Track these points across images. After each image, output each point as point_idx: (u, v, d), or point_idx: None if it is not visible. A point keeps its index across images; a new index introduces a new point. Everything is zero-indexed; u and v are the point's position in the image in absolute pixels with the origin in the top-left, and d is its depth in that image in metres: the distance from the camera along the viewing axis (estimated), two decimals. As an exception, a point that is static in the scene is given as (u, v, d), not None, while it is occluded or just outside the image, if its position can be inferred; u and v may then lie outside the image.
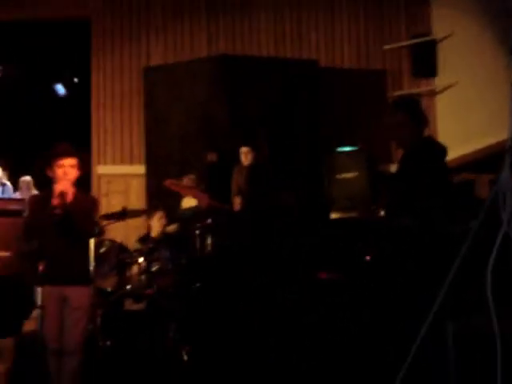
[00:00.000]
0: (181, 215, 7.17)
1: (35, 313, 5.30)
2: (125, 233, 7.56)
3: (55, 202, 4.91)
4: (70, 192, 5.06)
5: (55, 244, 5.00)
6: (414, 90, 8.70)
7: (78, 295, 5.11)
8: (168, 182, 6.51)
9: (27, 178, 9.25)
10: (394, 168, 7.37)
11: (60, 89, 10.29)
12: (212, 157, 7.65)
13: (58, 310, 5.04)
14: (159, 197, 7.86)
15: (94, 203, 5.40)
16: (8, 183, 9.64)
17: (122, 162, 8.59)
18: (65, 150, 5.16)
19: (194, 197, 6.92)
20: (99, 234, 6.44)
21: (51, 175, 5.10)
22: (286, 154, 7.73)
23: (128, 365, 5.66)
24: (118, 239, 6.75)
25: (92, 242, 5.90)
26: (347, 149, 7.12)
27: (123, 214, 6.61)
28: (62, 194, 4.94)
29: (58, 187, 4.97)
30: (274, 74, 8.32)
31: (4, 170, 9.35)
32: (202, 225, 6.34)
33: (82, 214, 5.01)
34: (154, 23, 8.52)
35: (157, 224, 7.07)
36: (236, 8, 8.67)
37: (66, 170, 5.07)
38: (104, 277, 6.28)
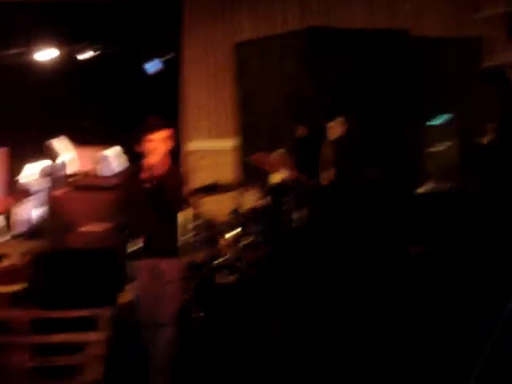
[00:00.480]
0: (270, 189, 7.21)
1: (129, 285, 5.42)
2: (217, 207, 7.63)
3: (145, 175, 5.00)
4: (161, 166, 5.13)
5: (146, 217, 5.08)
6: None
7: (170, 268, 5.21)
8: (255, 157, 6.53)
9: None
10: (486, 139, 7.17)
11: (153, 66, 10.46)
12: (302, 131, 7.64)
13: (151, 283, 5.15)
14: (250, 171, 7.90)
15: (185, 177, 5.48)
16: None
17: (214, 136, 8.66)
18: (154, 124, 5.21)
19: (281, 171, 6.93)
20: (190, 207, 6.58)
21: (142, 149, 5.16)
22: (375, 128, 7.64)
23: (220, 336, 5.76)
24: (210, 213, 6.84)
25: (185, 215, 6.05)
26: (439, 121, 6.98)
27: (214, 189, 6.72)
28: (152, 168, 5.02)
29: (148, 161, 5.05)
30: (364, 45, 8.20)
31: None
32: (292, 198, 6.36)
33: (173, 188, 5.06)
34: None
35: (249, 199, 7.13)
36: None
37: (156, 144, 5.12)
38: (196, 250, 6.41)
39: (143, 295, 5.12)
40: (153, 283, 5.16)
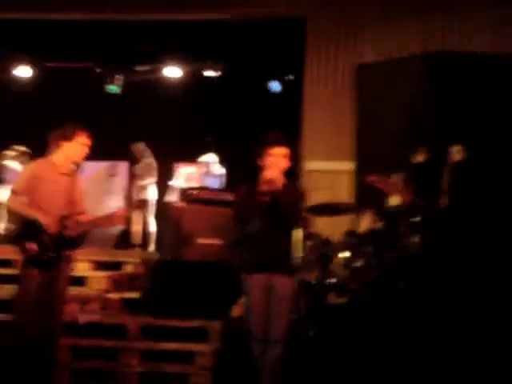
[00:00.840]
0: (387, 212, 7.11)
1: (242, 299, 5.46)
2: (331, 227, 7.60)
3: (263, 187, 5.03)
4: (279, 180, 5.14)
5: (262, 231, 5.06)
6: None
7: (284, 284, 5.18)
8: (373, 178, 6.44)
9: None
10: None
11: (275, 85, 10.61)
12: (422, 155, 7.51)
13: (264, 298, 5.13)
14: (368, 194, 7.83)
15: (302, 194, 5.43)
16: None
17: (332, 158, 8.64)
18: (277, 139, 5.24)
19: (398, 193, 6.82)
20: (304, 225, 6.57)
21: (261, 163, 5.19)
22: (497, 154, 7.43)
23: (329, 357, 5.71)
24: (325, 233, 6.82)
25: (298, 233, 6.05)
26: None
27: (330, 208, 6.71)
28: (271, 181, 5.03)
29: (267, 174, 5.06)
30: (488, 70, 8.01)
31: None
32: (409, 222, 6.25)
33: (289, 203, 5.06)
34: (367, 21, 8.50)
35: (365, 221, 7.05)
36: (452, 3, 8.43)
37: (277, 159, 5.15)
38: (309, 269, 6.40)
39: (255, 309, 5.08)
40: (265, 298, 5.14)
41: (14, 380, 5.36)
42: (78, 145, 5.52)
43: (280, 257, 5.21)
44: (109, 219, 5.70)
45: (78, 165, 5.63)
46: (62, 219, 5.41)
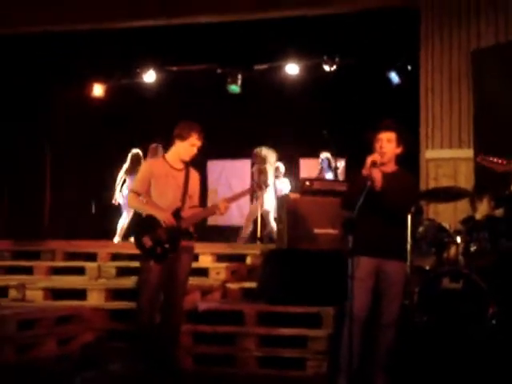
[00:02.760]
0: (506, 198, 6.96)
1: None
2: (449, 213, 7.57)
3: (365, 172, 5.05)
4: (387, 167, 5.19)
5: (368, 216, 5.02)
6: None
7: (395, 270, 5.23)
8: (480, 158, 6.29)
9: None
10: None
11: (394, 77, 10.57)
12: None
13: (372, 282, 5.19)
14: (488, 180, 7.69)
15: (411, 183, 5.43)
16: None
17: (451, 145, 8.55)
18: (385, 124, 5.31)
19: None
20: (419, 213, 6.56)
21: (372, 148, 5.22)
22: None
23: (442, 343, 5.69)
24: (445, 220, 6.78)
25: (409, 219, 6.06)
26: None
27: (446, 194, 6.66)
28: (372, 165, 5.01)
29: (372, 158, 5.07)
30: None
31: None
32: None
33: (396, 190, 5.03)
34: (481, 4, 8.35)
35: (483, 207, 6.95)
36: None
37: (382, 144, 5.21)
38: (422, 255, 6.38)
39: (362, 293, 5.04)
40: (373, 282, 5.20)
41: (140, 362, 5.69)
42: (189, 145, 5.75)
43: (389, 242, 5.21)
44: (210, 210, 5.97)
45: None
46: (178, 211, 5.68)
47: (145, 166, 6.09)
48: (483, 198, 6.95)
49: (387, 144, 5.23)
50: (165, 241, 5.62)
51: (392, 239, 5.28)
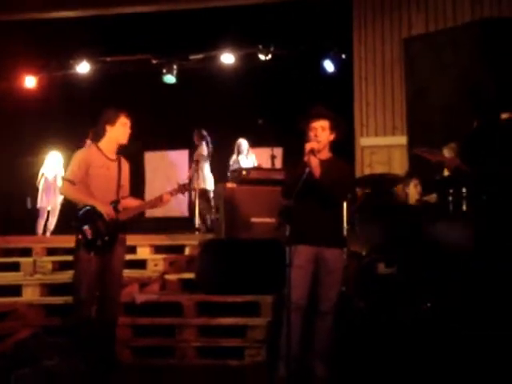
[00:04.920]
0: (437, 182, 7.09)
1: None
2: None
3: (305, 159, 5.04)
4: (323, 154, 5.19)
5: (306, 204, 5.06)
6: None
7: (333, 258, 5.24)
8: (417, 150, 6.41)
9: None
10: None
11: (329, 66, 10.62)
12: (478, 124, 7.45)
13: (311, 270, 5.20)
14: (421, 167, 7.82)
15: (347, 170, 5.45)
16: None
17: (385, 133, 8.68)
18: (317, 112, 5.27)
19: (448, 164, 6.78)
20: (353, 200, 6.63)
21: (306, 138, 5.22)
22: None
23: (379, 327, 5.75)
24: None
25: (345, 206, 6.12)
26: None
27: (377, 181, 6.75)
28: (311, 152, 5.03)
29: (308, 146, 5.08)
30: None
31: None
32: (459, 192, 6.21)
33: (334, 177, 5.05)
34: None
35: (413, 191, 7.08)
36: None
37: (317, 132, 5.20)
38: (357, 240, 6.46)
39: (300, 280, 5.06)
40: (312, 270, 5.21)
41: (78, 357, 5.60)
42: (121, 126, 5.69)
43: (326, 229, 5.23)
44: (154, 203, 5.86)
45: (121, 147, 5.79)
46: (115, 204, 5.62)
47: (81, 154, 5.80)
48: (410, 183, 7.08)
49: (322, 132, 5.23)
50: (104, 233, 5.54)
51: (330, 227, 5.30)
